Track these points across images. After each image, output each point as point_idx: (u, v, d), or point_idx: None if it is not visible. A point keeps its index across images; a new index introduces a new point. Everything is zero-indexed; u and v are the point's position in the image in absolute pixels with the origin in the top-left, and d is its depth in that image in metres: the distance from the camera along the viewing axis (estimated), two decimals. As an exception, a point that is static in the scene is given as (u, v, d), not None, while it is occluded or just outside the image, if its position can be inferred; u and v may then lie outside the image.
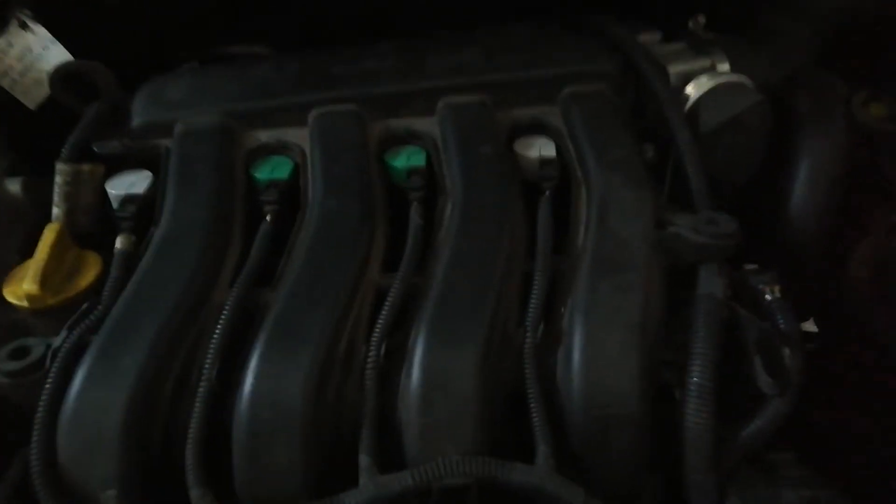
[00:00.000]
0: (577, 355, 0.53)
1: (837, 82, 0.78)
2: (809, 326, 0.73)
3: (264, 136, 0.68)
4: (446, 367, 0.52)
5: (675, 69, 0.74)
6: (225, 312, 0.55)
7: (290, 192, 0.64)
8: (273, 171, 0.65)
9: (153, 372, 0.50)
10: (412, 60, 0.71)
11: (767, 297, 0.59)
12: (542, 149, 0.67)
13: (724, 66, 0.75)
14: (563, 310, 0.57)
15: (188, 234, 0.59)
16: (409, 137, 0.69)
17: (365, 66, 0.71)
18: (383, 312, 0.55)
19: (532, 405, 0.52)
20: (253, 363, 0.52)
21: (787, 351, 0.55)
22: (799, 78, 0.78)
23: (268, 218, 0.62)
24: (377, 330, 0.55)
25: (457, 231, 0.59)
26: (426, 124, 0.69)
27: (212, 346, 0.54)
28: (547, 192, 0.64)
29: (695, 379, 0.53)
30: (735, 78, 0.72)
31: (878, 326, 0.78)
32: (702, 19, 0.79)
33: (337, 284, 0.56)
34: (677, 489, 0.55)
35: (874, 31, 0.85)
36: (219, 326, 0.54)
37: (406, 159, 0.66)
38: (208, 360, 0.53)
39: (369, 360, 0.53)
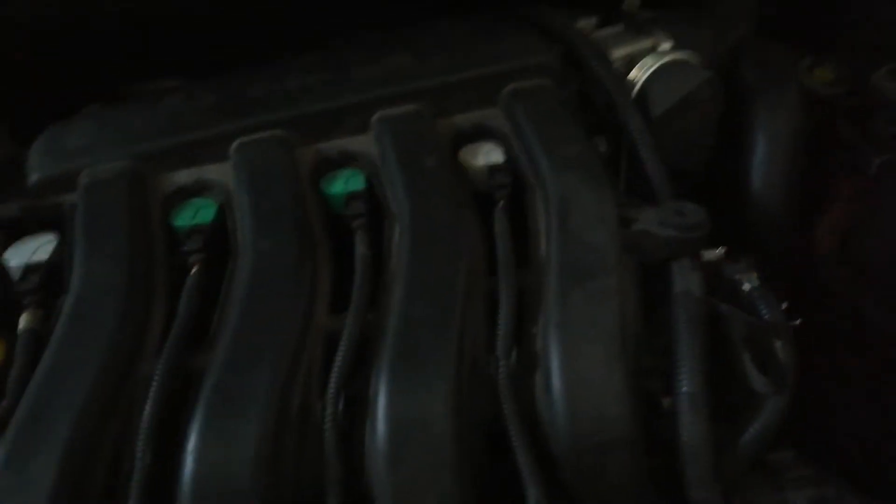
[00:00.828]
0: (556, 379, 0.49)
1: (784, 50, 0.76)
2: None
3: (182, 177, 0.61)
4: (414, 414, 0.46)
5: (616, 54, 0.70)
6: (154, 385, 0.48)
7: (218, 238, 0.58)
8: (195, 215, 0.59)
9: (73, 475, 0.44)
10: (337, 73, 0.66)
11: (746, 286, 0.56)
12: (489, 155, 0.63)
13: (667, 45, 0.72)
14: (535, 329, 0.52)
15: (103, 299, 0.52)
16: (345, 160, 0.63)
17: (286, 85, 0.65)
18: (337, 360, 0.50)
19: (515, 444, 0.48)
20: (192, 441, 0.45)
21: (777, 344, 0.51)
22: (744, 49, 0.76)
23: (194, 270, 0.55)
24: (332, 381, 0.49)
25: (408, 257, 0.54)
26: (361, 143, 0.63)
27: (143, 428, 0.47)
28: (500, 202, 0.59)
29: (684, 388, 0.49)
30: (680, 56, 0.69)
31: (848, 297, 0.76)
32: (636, -1, 0.75)
33: (280, 336, 0.50)
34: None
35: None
36: (148, 404, 0.48)
37: (343, 184, 0.60)
38: (140, 445, 0.46)
39: (326, 417, 0.48)
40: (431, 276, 0.53)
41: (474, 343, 0.51)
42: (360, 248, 0.56)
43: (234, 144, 0.62)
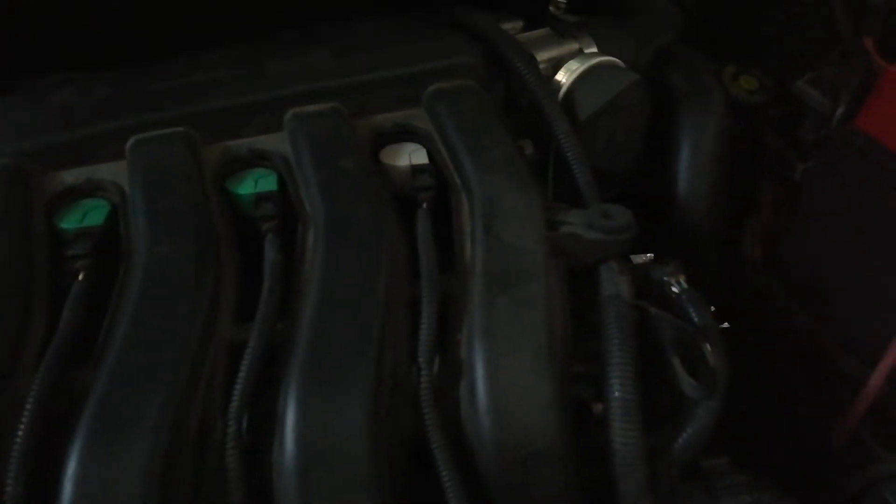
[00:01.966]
0: (481, 389, 0.46)
1: (706, 58, 0.77)
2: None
3: (71, 176, 0.56)
4: (328, 431, 0.43)
5: (542, 56, 0.70)
6: (29, 405, 0.43)
7: (108, 242, 0.53)
8: (84, 217, 0.54)
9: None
10: (249, 68, 0.63)
11: (674, 289, 0.56)
12: (412, 156, 0.61)
13: (592, 49, 0.72)
14: (459, 336, 0.50)
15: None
16: (255, 159, 0.60)
17: (192, 79, 0.61)
18: (241, 374, 0.46)
19: (439, 460, 0.45)
20: (71, 466, 0.40)
21: (707, 348, 0.51)
22: (668, 56, 0.77)
23: (79, 277, 0.50)
24: (235, 397, 0.45)
25: (323, 261, 0.51)
26: (273, 141, 0.60)
27: (14, 453, 0.42)
28: (424, 205, 0.57)
29: (616, 394, 0.48)
30: (606, 59, 0.69)
31: (776, 302, 0.78)
32: (562, 2, 0.75)
33: (175, 348, 0.46)
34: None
35: (734, 4, 0.86)
36: (21, 425, 0.42)
37: (253, 184, 0.57)
38: (11, 472, 0.41)
39: (228, 437, 0.44)
40: (348, 281, 0.50)
41: (395, 352, 0.48)
42: (270, 252, 0.52)
43: (131, 142, 0.58)
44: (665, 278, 0.56)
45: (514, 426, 0.45)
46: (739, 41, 0.86)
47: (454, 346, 0.50)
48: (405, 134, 0.63)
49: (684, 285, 0.56)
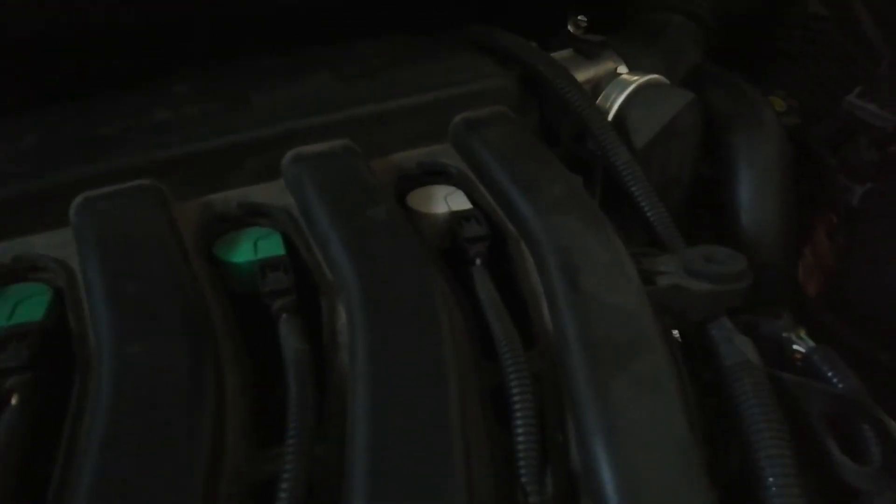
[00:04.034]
0: (619, 514, 0.33)
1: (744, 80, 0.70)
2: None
3: (-8, 253, 0.41)
4: None
5: (579, 79, 0.59)
6: None
7: (53, 344, 0.38)
8: (13, 312, 0.38)
9: None
10: (229, 100, 0.49)
11: (798, 347, 0.45)
12: (448, 201, 0.48)
13: (623, 70, 0.63)
14: (565, 442, 0.37)
15: None
16: (247, 216, 0.46)
17: (154, 116, 0.47)
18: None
19: None
20: None
21: (869, 420, 0.40)
22: (702, 76, 0.68)
23: (13, 402, 0.35)
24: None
25: (367, 349, 0.37)
26: (270, 192, 0.47)
27: None
28: (477, 261, 0.45)
29: (778, 496, 0.36)
30: (654, 77, 0.59)
31: (842, 345, 0.68)
32: (583, 20, 0.66)
33: (171, 495, 0.31)
34: None
35: (751, 26, 0.80)
36: None
37: (252, 249, 0.43)
38: None
39: None
40: (406, 376, 0.36)
41: (486, 471, 0.35)
42: (291, 341, 0.38)
43: (77, 201, 0.43)
44: (784, 334, 0.46)
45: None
46: (756, 64, 0.80)
47: (560, 454, 0.37)
48: (433, 175, 0.51)
49: (810, 342, 0.45)
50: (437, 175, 0.51)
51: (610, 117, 0.58)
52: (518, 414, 0.36)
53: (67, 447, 0.33)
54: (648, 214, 0.50)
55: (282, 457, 0.33)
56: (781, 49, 0.79)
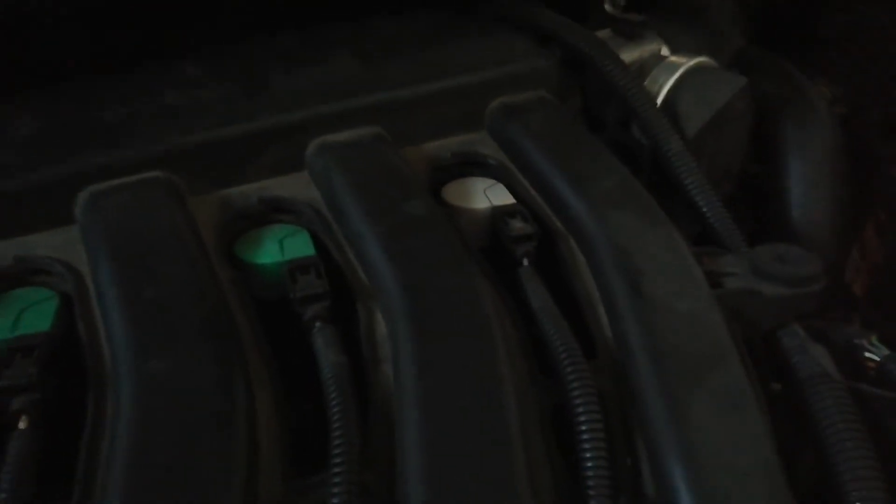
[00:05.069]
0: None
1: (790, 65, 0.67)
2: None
3: (-9, 255, 0.38)
4: None
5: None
6: None
7: (61, 357, 0.34)
8: (17, 322, 0.35)
9: None
10: (246, 83, 0.46)
11: (870, 355, 0.42)
12: (489, 195, 0.45)
13: (665, 52, 0.60)
14: (635, 465, 0.34)
15: None
16: (270, 212, 0.43)
17: (165, 100, 0.44)
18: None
19: None
20: None
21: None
22: (749, 60, 0.65)
23: (21, 426, 0.31)
24: None
25: (415, 367, 0.34)
26: (293, 185, 0.44)
27: None
28: (524, 261, 0.42)
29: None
30: (703, 60, 0.56)
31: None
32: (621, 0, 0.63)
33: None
34: None
35: (790, 10, 0.77)
36: None
37: (278, 249, 0.40)
38: None
39: None
40: (462, 394, 0.33)
41: (548, 499, 0.32)
42: (328, 356, 0.35)
43: (83, 196, 0.40)
44: (856, 341, 0.43)
45: None
46: (796, 47, 0.77)
47: (631, 480, 0.34)
48: (469, 166, 0.48)
49: (884, 349, 0.43)
50: (473, 166, 0.48)
51: (658, 103, 0.55)
52: (585, 436, 0.33)
53: (83, 477, 0.30)
54: (704, 209, 0.47)
55: (324, 486, 0.30)
56: (822, 34, 0.76)
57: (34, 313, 0.35)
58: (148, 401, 0.31)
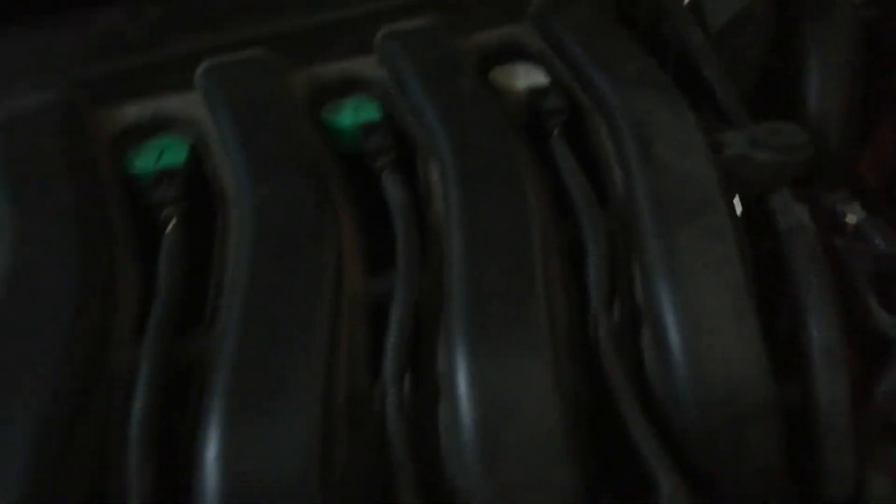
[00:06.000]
0: (674, 338, 0.41)
1: None
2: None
3: (133, 112, 0.50)
4: (514, 392, 0.38)
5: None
6: (143, 378, 0.37)
7: (192, 186, 0.47)
8: (160, 157, 0.47)
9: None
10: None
11: (851, 218, 0.51)
12: (528, 77, 0.55)
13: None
14: (630, 281, 0.45)
15: (45, 273, 0.40)
16: (348, 86, 0.53)
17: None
18: (392, 331, 0.40)
19: (630, 422, 0.40)
20: (214, 448, 0.35)
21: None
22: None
23: (171, 225, 0.44)
24: (391, 359, 0.39)
25: (460, 200, 0.45)
26: (367, 65, 0.54)
27: (132, 442, 0.36)
28: (555, 131, 0.52)
29: (818, 339, 0.44)
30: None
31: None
32: None
33: (310, 304, 0.40)
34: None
35: None
36: (137, 403, 0.37)
37: (353, 115, 0.51)
38: (133, 460, 0.35)
39: (389, 405, 0.38)
40: (497, 222, 0.44)
41: (562, 302, 0.43)
42: (395, 192, 0.46)
43: (201, 68, 0.51)
44: (838, 206, 0.52)
45: (717, 380, 0.41)
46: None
47: (626, 291, 0.45)
48: (513, 54, 0.57)
49: (862, 213, 0.51)
50: (517, 53, 0.57)
51: (685, 1, 0.62)
52: (591, 257, 0.44)
53: (218, 265, 0.43)
54: (718, 93, 0.56)
55: (398, 278, 0.42)
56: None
57: (171, 152, 0.47)
58: (261, 215, 0.43)
